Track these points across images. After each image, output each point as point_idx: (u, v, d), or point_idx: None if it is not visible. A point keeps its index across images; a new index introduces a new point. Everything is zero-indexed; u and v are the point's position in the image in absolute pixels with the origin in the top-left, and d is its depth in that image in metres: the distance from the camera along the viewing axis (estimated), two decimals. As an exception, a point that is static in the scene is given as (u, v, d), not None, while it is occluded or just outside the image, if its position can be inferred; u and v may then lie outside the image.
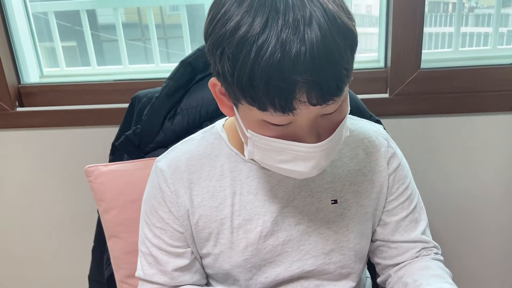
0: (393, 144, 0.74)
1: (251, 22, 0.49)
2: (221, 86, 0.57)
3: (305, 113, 0.52)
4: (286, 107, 0.50)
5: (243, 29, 0.49)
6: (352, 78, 0.54)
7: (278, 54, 0.48)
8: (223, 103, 0.60)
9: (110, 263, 0.94)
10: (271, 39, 0.48)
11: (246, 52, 0.49)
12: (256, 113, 0.53)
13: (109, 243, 0.92)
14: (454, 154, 1.16)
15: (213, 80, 0.59)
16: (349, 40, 0.51)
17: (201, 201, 0.68)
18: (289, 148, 0.56)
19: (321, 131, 0.57)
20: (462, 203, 1.21)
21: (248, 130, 0.58)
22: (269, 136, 0.56)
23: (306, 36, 0.48)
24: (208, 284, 0.76)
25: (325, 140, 0.56)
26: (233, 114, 0.61)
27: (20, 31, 1.19)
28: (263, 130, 0.56)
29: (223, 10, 0.51)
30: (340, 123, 0.58)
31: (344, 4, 0.53)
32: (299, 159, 0.57)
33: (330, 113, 0.56)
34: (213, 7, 0.54)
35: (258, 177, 0.68)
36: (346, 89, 0.55)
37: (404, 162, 0.75)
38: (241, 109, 0.57)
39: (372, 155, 0.72)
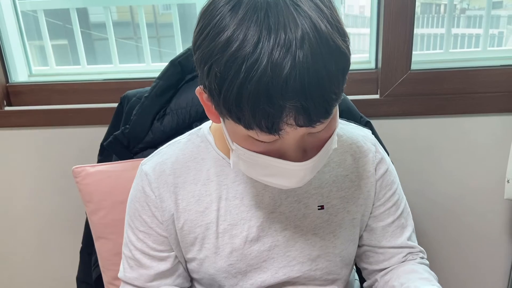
0: (381, 150, 0.74)
1: (242, 40, 0.46)
2: (208, 97, 0.55)
3: (292, 133, 0.51)
4: (272, 128, 0.49)
5: (233, 47, 0.47)
6: (342, 97, 0.53)
7: (267, 78, 0.46)
8: (210, 110, 0.59)
9: (98, 265, 0.94)
10: (262, 60, 0.46)
11: (235, 72, 0.47)
12: (241, 129, 0.52)
13: (97, 245, 0.91)
14: (444, 155, 1.17)
15: (199, 89, 0.57)
16: (341, 64, 0.49)
17: (187, 206, 0.67)
18: (274, 165, 0.56)
19: (308, 148, 0.56)
20: (452, 203, 1.21)
21: (234, 143, 0.57)
22: (254, 151, 0.55)
23: (297, 59, 0.46)
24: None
25: (311, 159, 0.56)
26: (220, 122, 0.60)
27: (8, 29, 1.18)
28: (249, 145, 0.55)
29: (213, 22, 0.49)
30: (328, 140, 0.57)
31: (340, 24, 0.51)
32: (284, 175, 0.57)
33: (317, 132, 0.55)
34: (203, 16, 0.51)
35: (244, 182, 0.67)
36: (335, 108, 0.54)
37: (392, 167, 0.74)
38: (228, 123, 0.56)
39: (360, 160, 0.71)
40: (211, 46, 0.49)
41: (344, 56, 0.50)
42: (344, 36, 0.50)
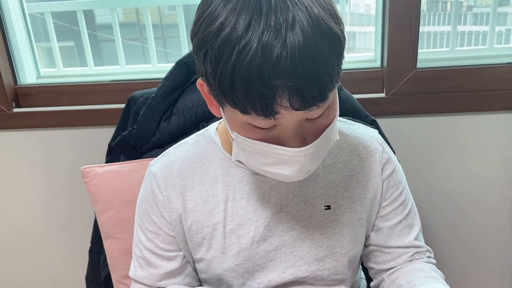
0: (388, 149, 0.74)
1: (234, 25, 0.48)
2: (207, 86, 0.56)
3: (288, 117, 0.52)
4: (267, 111, 0.50)
5: (226, 31, 0.48)
6: (339, 83, 0.53)
7: (258, 58, 0.47)
8: (212, 103, 0.60)
9: (106, 264, 0.95)
10: (253, 43, 0.47)
11: (228, 55, 0.48)
12: (239, 116, 0.53)
13: (106, 244, 0.92)
14: (450, 153, 1.16)
15: (199, 80, 0.58)
16: (334, 45, 0.50)
17: (194, 206, 0.68)
18: (273, 152, 0.56)
19: (306, 136, 0.56)
20: (459, 202, 1.21)
21: (233, 131, 0.58)
22: (253, 139, 0.56)
23: (287, 40, 0.47)
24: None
25: (309, 145, 0.55)
26: (221, 114, 0.61)
27: (16, 31, 1.19)
28: (248, 133, 0.56)
29: (208, 11, 0.51)
30: (327, 127, 0.57)
31: (332, 8, 0.51)
32: (283, 163, 0.57)
33: (315, 118, 0.55)
34: (200, 7, 0.54)
35: (251, 183, 0.68)
36: (332, 94, 0.54)
37: (399, 167, 0.74)
38: (226, 111, 0.57)
39: (367, 160, 0.71)
40: (206, 33, 0.50)
41: (336, 37, 0.50)
42: (337, 18, 0.51)
